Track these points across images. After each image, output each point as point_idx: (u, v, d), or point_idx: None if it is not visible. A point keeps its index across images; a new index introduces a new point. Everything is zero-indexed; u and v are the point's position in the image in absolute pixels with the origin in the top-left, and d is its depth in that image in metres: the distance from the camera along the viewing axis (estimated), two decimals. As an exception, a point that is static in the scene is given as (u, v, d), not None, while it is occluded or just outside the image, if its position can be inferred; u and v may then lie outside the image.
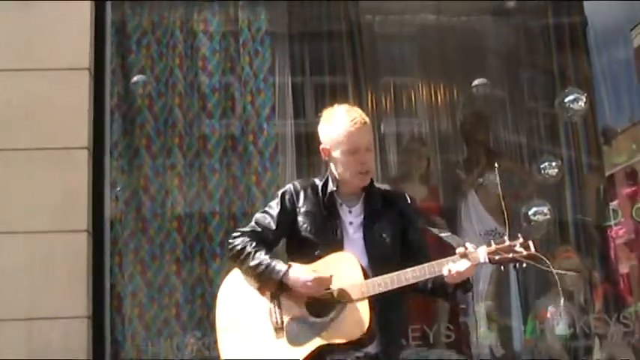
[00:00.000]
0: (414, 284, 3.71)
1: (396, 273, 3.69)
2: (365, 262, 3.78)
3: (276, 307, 3.79)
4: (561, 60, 7.17)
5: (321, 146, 3.88)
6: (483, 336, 6.30)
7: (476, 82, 7.14)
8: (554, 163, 6.82)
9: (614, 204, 6.85)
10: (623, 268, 6.71)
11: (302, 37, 6.92)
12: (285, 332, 3.74)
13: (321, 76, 7.19)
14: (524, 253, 3.62)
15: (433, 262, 3.68)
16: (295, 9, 6.80)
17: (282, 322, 3.76)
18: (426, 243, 3.93)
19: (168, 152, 6.01)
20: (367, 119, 3.81)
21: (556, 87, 7.08)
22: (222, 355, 3.79)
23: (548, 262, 3.57)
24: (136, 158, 5.99)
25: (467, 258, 3.64)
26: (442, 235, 3.81)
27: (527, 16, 7.23)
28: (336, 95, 7.00)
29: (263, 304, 3.81)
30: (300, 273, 3.74)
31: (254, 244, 3.86)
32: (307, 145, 6.58)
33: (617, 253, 6.69)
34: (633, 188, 6.96)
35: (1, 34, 5.38)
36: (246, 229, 3.94)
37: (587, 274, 6.52)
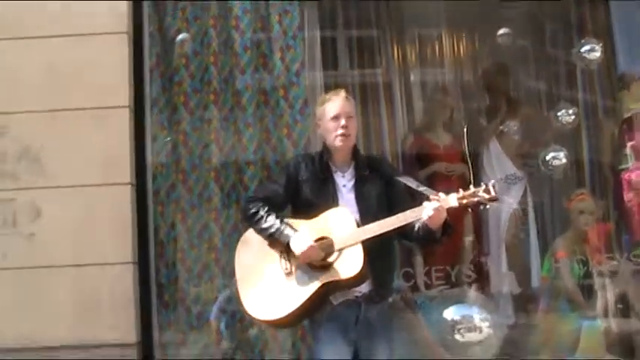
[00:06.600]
0: (401, 231, 4.28)
1: (384, 220, 4.25)
2: (357, 216, 4.35)
3: (286, 257, 4.38)
4: (579, 10, 7.15)
5: (316, 121, 4.60)
6: (503, 275, 6.60)
7: (500, 32, 7.11)
8: (571, 111, 6.86)
9: (628, 147, 6.81)
10: (635, 210, 6.71)
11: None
12: (294, 276, 4.33)
13: (348, 30, 7.26)
14: (487, 196, 4.13)
15: (413, 209, 4.23)
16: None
17: (292, 268, 4.35)
18: (408, 198, 4.45)
19: (204, 107, 6.02)
20: (349, 96, 4.52)
21: (574, 36, 7.09)
22: (242, 301, 4.40)
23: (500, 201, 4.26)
24: (175, 114, 5.99)
25: (440, 202, 4.17)
26: (420, 188, 4.29)
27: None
28: (363, 48, 7.22)
29: (274, 255, 4.40)
30: (299, 244, 4.29)
31: (266, 208, 4.43)
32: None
33: (629, 195, 6.69)
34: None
35: (44, 4, 5.57)
36: (259, 194, 4.55)
37: (600, 214, 6.65)
